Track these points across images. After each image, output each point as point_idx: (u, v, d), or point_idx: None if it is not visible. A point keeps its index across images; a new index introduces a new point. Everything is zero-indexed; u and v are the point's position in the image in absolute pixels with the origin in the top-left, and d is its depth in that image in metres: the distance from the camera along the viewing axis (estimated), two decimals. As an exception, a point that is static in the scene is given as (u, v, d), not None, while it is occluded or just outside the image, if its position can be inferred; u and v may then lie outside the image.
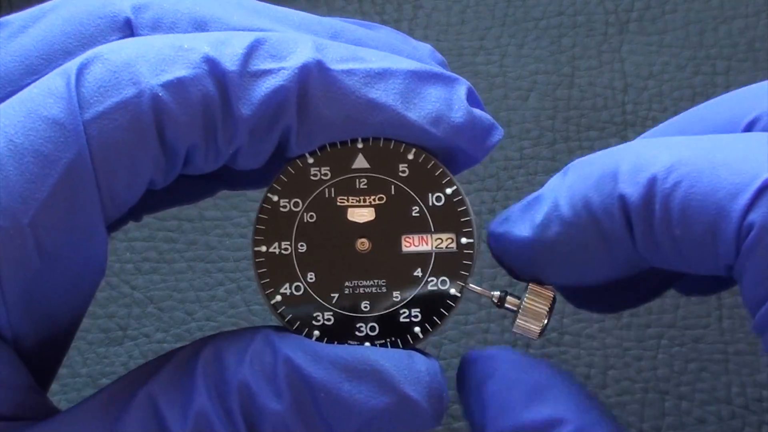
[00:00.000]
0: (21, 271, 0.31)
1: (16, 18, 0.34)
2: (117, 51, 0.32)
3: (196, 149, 0.32)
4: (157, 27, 0.33)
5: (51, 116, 0.31)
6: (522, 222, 0.34)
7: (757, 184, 0.31)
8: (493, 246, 0.35)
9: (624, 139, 0.49)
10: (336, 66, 0.33)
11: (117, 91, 0.31)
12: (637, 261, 0.34)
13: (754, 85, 0.36)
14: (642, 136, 0.37)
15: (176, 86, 0.31)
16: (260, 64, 0.32)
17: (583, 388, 0.34)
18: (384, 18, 0.51)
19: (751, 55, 0.50)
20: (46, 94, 0.31)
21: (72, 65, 0.32)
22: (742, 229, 0.31)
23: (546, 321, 0.34)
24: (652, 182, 0.32)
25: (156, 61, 0.32)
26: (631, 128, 0.49)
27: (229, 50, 0.32)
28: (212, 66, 0.32)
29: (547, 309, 0.34)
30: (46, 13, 0.34)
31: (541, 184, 0.42)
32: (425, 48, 0.35)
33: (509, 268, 0.35)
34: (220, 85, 0.32)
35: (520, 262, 0.35)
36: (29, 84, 0.33)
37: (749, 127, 0.34)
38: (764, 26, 0.51)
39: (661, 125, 0.37)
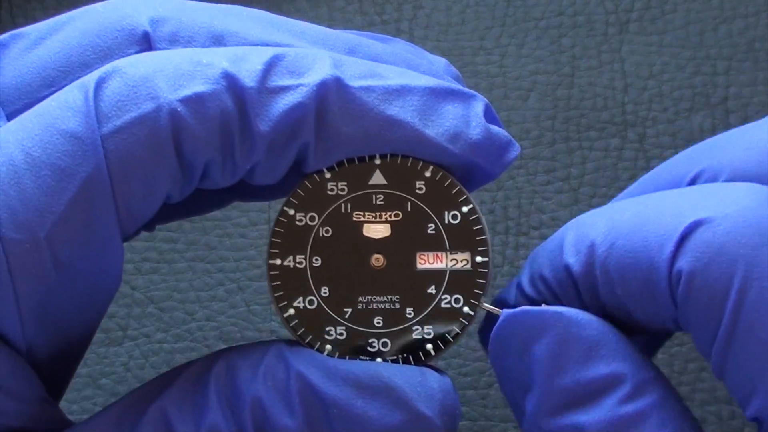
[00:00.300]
0: (37, 284, 0.31)
1: (32, 30, 0.34)
2: (135, 65, 0.32)
3: (214, 164, 0.32)
4: (174, 41, 0.33)
5: (69, 130, 0.31)
6: (500, 307, 0.35)
7: (680, 231, 0.31)
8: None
9: (624, 139, 0.49)
10: (354, 83, 0.33)
11: (135, 106, 0.31)
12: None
13: (703, 142, 0.36)
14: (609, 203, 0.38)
15: (194, 101, 0.31)
16: (279, 80, 0.32)
17: (635, 344, 0.33)
18: (384, 18, 0.51)
19: (751, 55, 0.50)
20: (64, 107, 0.31)
21: (90, 79, 0.32)
22: (672, 280, 0.32)
23: None
24: (591, 249, 0.33)
25: (174, 76, 0.31)
26: (631, 128, 0.49)
27: (247, 66, 0.32)
28: (231, 81, 0.32)
29: None
30: (64, 25, 0.34)
31: (541, 184, 0.42)
32: (440, 62, 0.35)
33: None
34: (238, 100, 0.32)
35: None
36: (46, 96, 0.33)
37: (692, 182, 0.34)
38: (764, 26, 0.50)
39: (621, 193, 0.37)
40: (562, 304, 0.34)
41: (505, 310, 0.34)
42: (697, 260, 0.31)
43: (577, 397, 0.32)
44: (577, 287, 0.33)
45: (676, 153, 0.44)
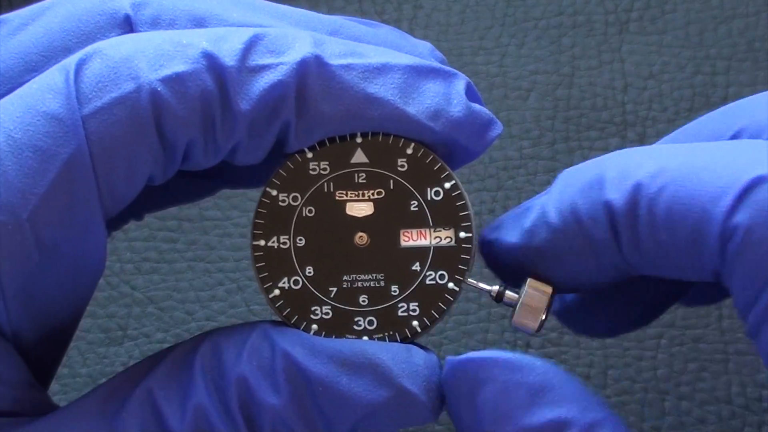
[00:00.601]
0: (20, 266, 0.31)
1: (15, 16, 0.34)
2: (116, 46, 0.32)
3: (195, 144, 0.32)
4: (156, 24, 0.33)
5: (50, 111, 0.31)
6: (512, 229, 0.34)
7: (740, 186, 0.31)
8: (484, 253, 0.35)
9: (624, 139, 0.49)
10: (334, 61, 0.33)
11: (116, 86, 0.31)
12: (624, 267, 0.33)
13: (745, 99, 0.36)
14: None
15: (175, 81, 0.31)
16: (259, 59, 0.32)
17: (583, 383, 0.33)
18: (384, 18, 0.51)
19: (751, 55, 0.50)
20: (45, 89, 0.31)
21: (71, 61, 0.32)
22: (725, 233, 0.31)
23: (544, 316, 0.34)
24: (637, 188, 0.32)
25: (154, 56, 0.32)
26: (631, 128, 0.49)
27: (227, 45, 0.32)
28: (211, 61, 0.32)
29: (546, 303, 0.34)
30: (46, 11, 0.34)
31: (541, 184, 0.43)
32: (425, 46, 0.35)
33: (499, 273, 0.35)
34: (218, 79, 0.32)
35: (509, 267, 0.35)
36: (28, 81, 0.32)
37: (734, 138, 0.34)
38: (764, 26, 0.50)
39: (663, 138, 0.37)
40: (588, 241, 0.33)
41: (449, 358, 0.33)
42: (757, 216, 0.31)
43: None
44: (615, 225, 0.33)
45: (676, 153, 0.44)
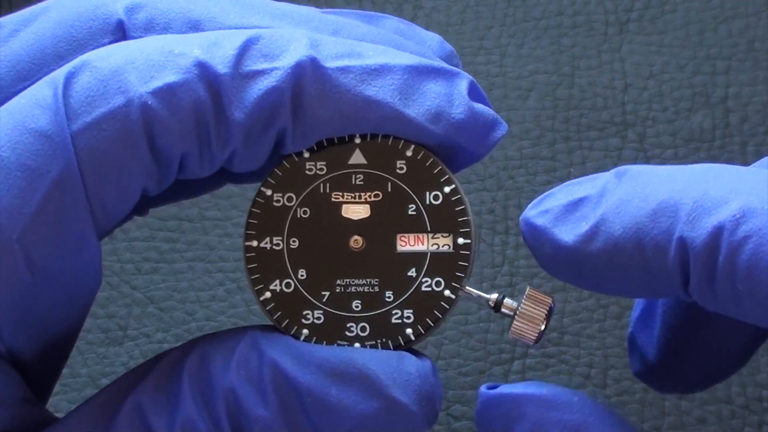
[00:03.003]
0: (12, 287, 0.30)
1: (6, 21, 0.33)
2: (105, 58, 0.31)
3: (190, 156, 0.31)
4: (150, 28, 0.32)
5: (38, 128, 0.30)
6: (564, 223, 0.33)
7: None
8: (528, 237, 0.33)
9: (624, 139, 0.49)
10: (331, 63, 0.31)
11: (105, 101, 0.30)
12: (682, 295, 0.32)
13: None
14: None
15: (166, 93, 0.30)
16: (252, 64, 0.31)
17: (620, 418, 0.32)
18: (384, 18, 0.51)
19: (751, 55, 0.50)
20: (33, 104, 0.30)
21: (60, 74, 0.31)
22: None
23: (543, 327, 0.33)
24: (718, 232, 0.30)
25: (145, 67, 0.30)
26: (631, 128, 0.49)
27: (220, 52, 0.31)
28: (203, 70, 0.30)
29: (545, 314, 0.33)
30: (37, 16, 0.33)
31: (541, 184, 0.42)
32: (433, 38, 0.34)
33: (542, 263, 0.33)
34: (211, 89, 0.31)
35: (555, 265, 0.33)
36: (21, 90, 0.32)
37: None
38: (764, 26, 0.50)
39: (755, 163, 0.34)
40: (646, 267, 0.31)
41: (482, 391, 0.32)
42: None
43: None
44: (685, 265, 0.31)
45: (676, 153, 0.44)
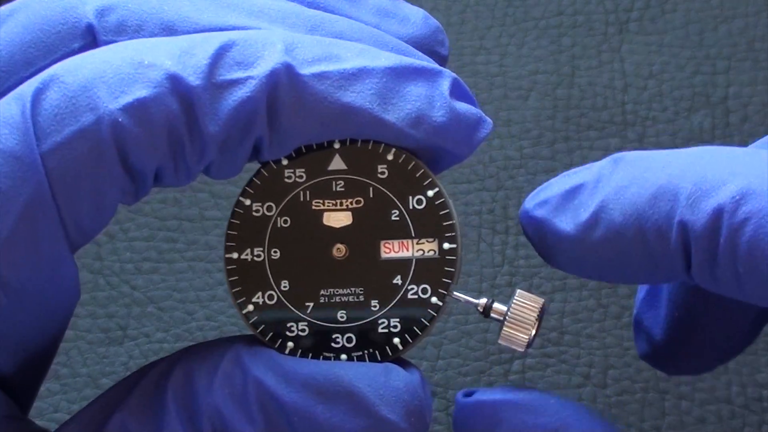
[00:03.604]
0: None
1: None
2: (74, 72, 0.30)
3: (165, 169, 0.30)
4: (121, 31, 0.31)
5: (7, 149, 0.29)
6: (563, 213, 0.32)
7: None
8: (528, 229, 0.33)
9: (624, 138, 0.49)
10: (307, 70, 0.30)
11: (74, 119, 0.29)
12: (684, 278, 0.31)
13: None
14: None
15: (137, 108, 0.29)
16: (226, 73, 0.30)
17: (600, 416, 0.31)
18: (384, 18, 0.51)
19: (751, 54, 0.50)
20: (1, 124, 0.29)
21: (27, 90, 0.30)
22: None
23: (534, 331, 0.32)
24: (718, 214, 0.30)
25: (114, 81, 0.29)
26: (631, 128, 0.49)
27: (192, 61, 0.30)
28: (175, 83, 0.30)
29: (535, 317, 0.32)
30: (6, 20, 0.32)
31: (541, 184, 0.42)
32: (417, 14, 0.33)
33: (543, 254, 0.33)
34: (184, 102, 0.30)
35: (557, 254, 0.32)
36: None
37: None
38: (764, 26, 0.50)
39: (755, 143, 0.34)
40: (649, 252, 0.31)
41: (459, 398, 0.31)
42: None
43: None
44: (687, 248, 0.30)
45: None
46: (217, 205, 0.48)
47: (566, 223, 0.32)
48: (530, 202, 0.33)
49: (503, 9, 0.51)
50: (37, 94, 0.30)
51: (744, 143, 0.48)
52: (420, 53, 0.33)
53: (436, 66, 0.32)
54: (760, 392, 0.45)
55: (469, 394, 0.32)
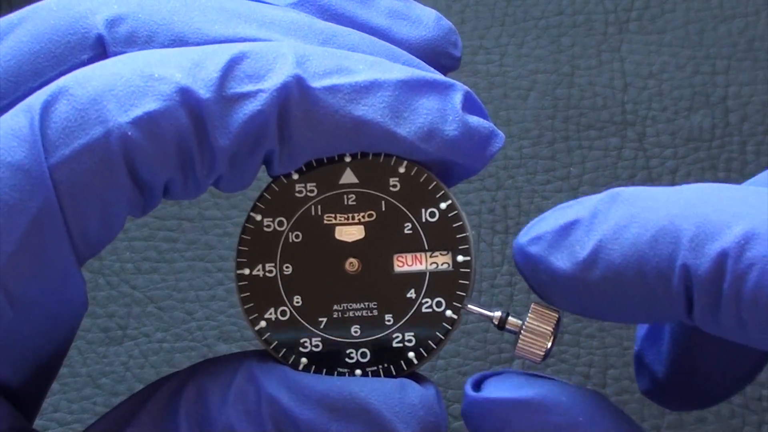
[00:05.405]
0: None
1: None
2: (83, 84, 0.29)
3: (174, 182, 0.30)
4: (131, 42, 0.31)
5: (15, 162, 0.29)
6: (559, 250, 0.31)
7: None
8: (522, 266, 0.32)
9: (623, 138, 0.49)
10: (318, 83, 0.30)
11: (83, 132, 0.29)
12: (685, 320, 0.30)
13: None
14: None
15: (147, 122, 0.29)
16: (237, 86, 0.29)
17: (610, 410, 0.31)
18: (384, 18, 0.50)
19: (751, 54, 0.50)
20: (9, 136, 0.29)
21: (36, 102, 0.29)
22: None
23: (550, 343, 0.31)
24: (722, 258, 0.29)
25: (124, 94, 0.29)
26: (631, 128, 0.49)
27: (203, 74, 0.29)
28: (185, 96, 0.29)
29: (551, 329, 0.31)
30: (14, 28, 0.31)
31: (541, 184, 0.42)
32: (430, 16, 0.33)
33: (538, 291, 0.32)
34: (194, 115, 0.29)
35: (552, 292, 0.32)
36: None
37: None
38: (764, 26, 0.50)
39: (750, 180, 0.33)
40: (648, 294, 0.30)
41: (468, 392, 0.31)
42: None
43: None
44: (689, 293, 0.30)
45: (676, 152, 0.44)
46: (217, 205, 0.48)
47: (562, 261, 0.31)
48: (524, 238, 0.32)
49: (503, 9, 0.51)
50: (46, 107, 0.29)
51: (743, 143, 0.48)
52: (430, 68, 0.32)
53: (448, 79, 0.31)
54: (759, 392, 0.45)
55: (478, 383, 0.32)
